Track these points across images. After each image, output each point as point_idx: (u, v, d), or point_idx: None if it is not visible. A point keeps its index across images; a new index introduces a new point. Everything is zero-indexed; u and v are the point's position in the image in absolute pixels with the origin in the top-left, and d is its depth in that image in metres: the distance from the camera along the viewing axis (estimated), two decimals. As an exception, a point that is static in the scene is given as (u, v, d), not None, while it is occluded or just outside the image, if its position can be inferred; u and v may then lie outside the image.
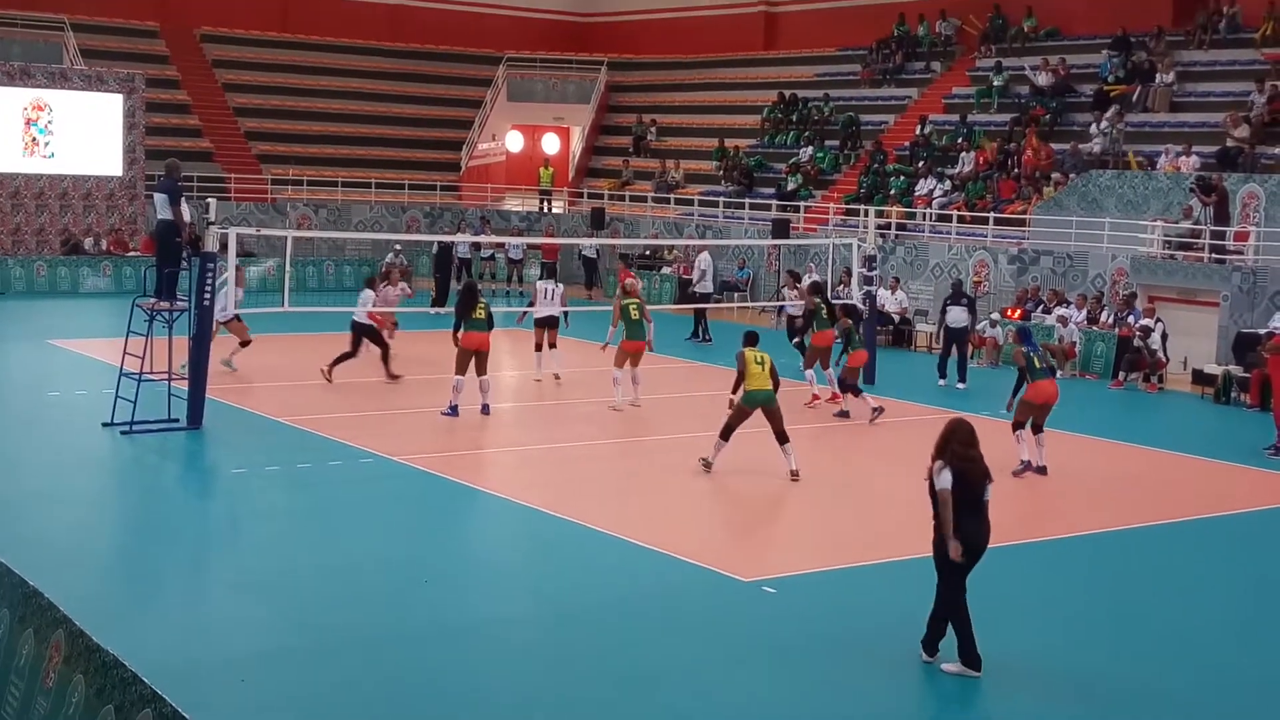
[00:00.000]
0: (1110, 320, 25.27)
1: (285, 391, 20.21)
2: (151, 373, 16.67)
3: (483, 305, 18.36)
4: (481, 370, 18.30)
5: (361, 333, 21.01)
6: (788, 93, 41.23)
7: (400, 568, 11.78)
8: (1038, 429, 16.16)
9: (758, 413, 15.21)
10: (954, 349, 23.32)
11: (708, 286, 29.10)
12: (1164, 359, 23.77)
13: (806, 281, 24.47)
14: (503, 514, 13.98)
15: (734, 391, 15.57)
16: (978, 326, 26.41)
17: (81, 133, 34.46)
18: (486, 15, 49.88)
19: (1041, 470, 16.05)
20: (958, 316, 23.51)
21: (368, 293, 21.21)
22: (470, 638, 10.03)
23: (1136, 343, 23.72)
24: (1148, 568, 12.81)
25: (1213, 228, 25.24)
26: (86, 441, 16.36)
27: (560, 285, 22.66)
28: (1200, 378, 23.36)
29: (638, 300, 19.86)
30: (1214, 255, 25.14)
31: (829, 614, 10.80)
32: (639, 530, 12.99)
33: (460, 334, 18.27)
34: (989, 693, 9.36)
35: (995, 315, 26.65)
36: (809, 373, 20.75)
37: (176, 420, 16.94)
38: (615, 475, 15.83)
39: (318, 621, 10.26)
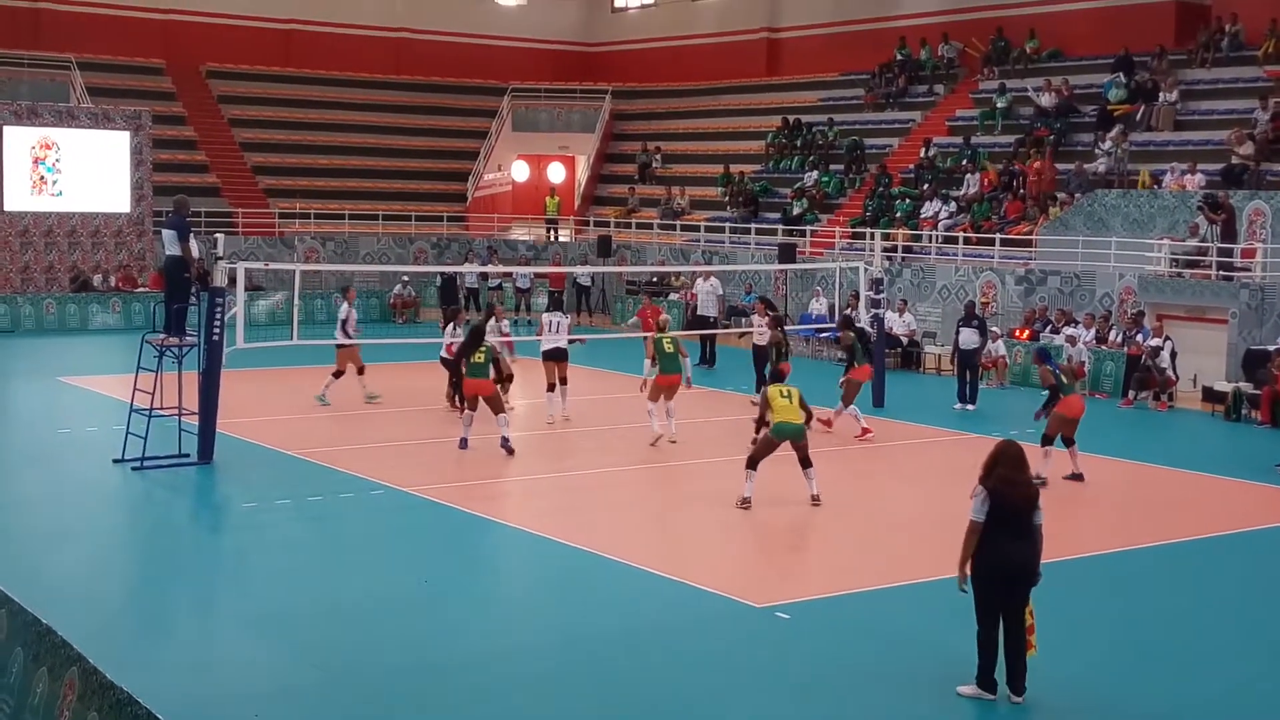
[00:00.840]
0: (1119, 339, 25.24)
1: (295, 424, 20.23)
2: (162, 408, 16.70)
3: (484, 350, 18.04)
4: (496, 409, 18.03)
5: (447, 365, 20.97)
6: (791, 118, 41.34)
7: (412, 601, 11.76)
8: (1069, 442, 16.87)
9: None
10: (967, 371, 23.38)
11: (709, 311, 29.14)
12: (1173, 377, 23.73)
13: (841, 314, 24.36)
14: (514, 544, 13.97)
15: (757, 430, 15.89)
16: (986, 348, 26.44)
17: (89, 170, 34.61)
18: (490, 47, 50.09)
19: (1078, 477, 16.79)
20: (969, 338, 23.58)
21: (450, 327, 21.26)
22: (483, 670, 10.01)
23: (1145, 361, 23.68)
24: (1161, 587, 12.76)
25: (1220, 245, 25.22)
26: (97, 478, 16.38)
27: (566, 316, 22.64)
28: (1210, 395, 23.31)
29: (674, 335, 19.33)
30: (1222, 272, 25.12)
31: (842, 639, 10.76)
32: (650, 558, 12.97)
33: (464, 379, 18.28)
34: (1002, 718, 9.32)
35: (996, 330, 26.64)
36: (852, 408, 20.21)
37: (187, 455, 16.95)
38: (626, 503, 15.81)
39: (330, 656, 10.24)
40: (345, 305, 21.97)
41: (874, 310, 23.31)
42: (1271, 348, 22.76)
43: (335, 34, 47.77)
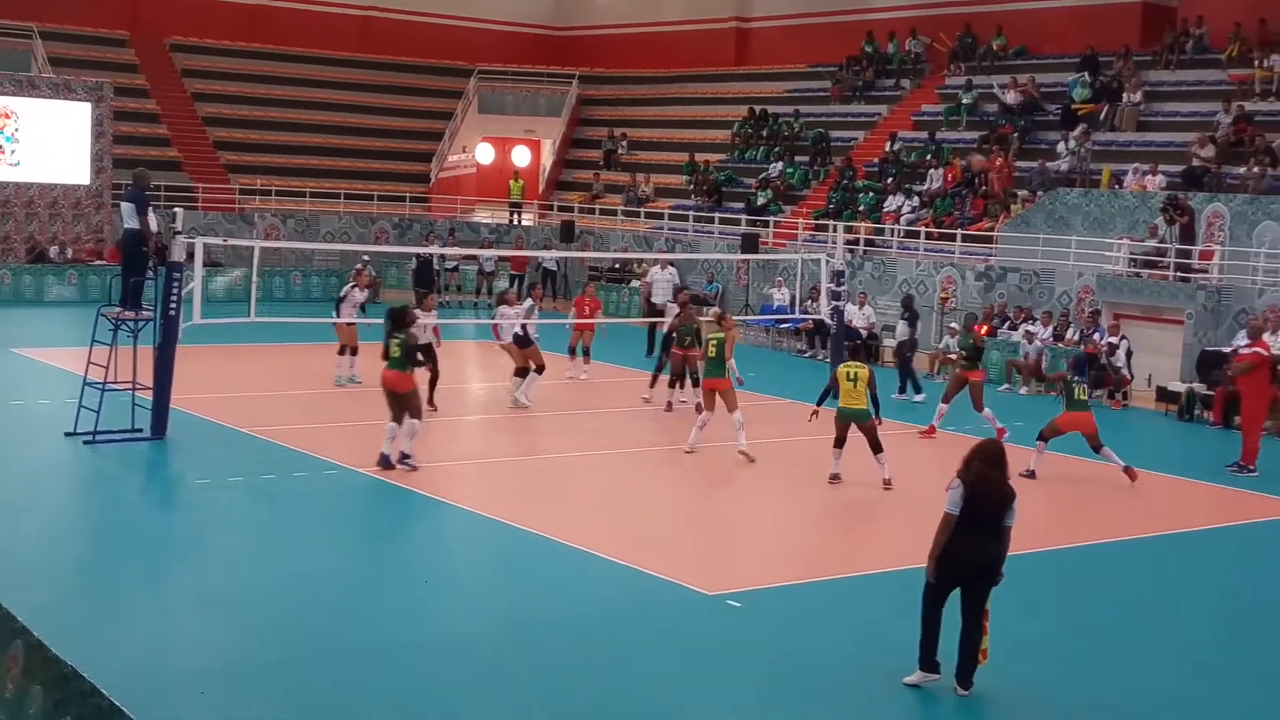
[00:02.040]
0: (1076, 337, 25.42)
1: (250, 402, 20.12)
2: (116, 382, 16.56)
3: (397, 341, 15.71)
4: (407, 413, 15.55)
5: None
6: (758, 108, 41.37)
7: (364, 581, 11.73)
8: (1095, 448, 17.13)
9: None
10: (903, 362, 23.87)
11: (663, 299, 28.91)
12: (1129, 376, 23.93)
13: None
14: (467, 527, 13.93)
15: (818, 403, 16.49)
16: (939, 344, 26.60)
17: (48, 141, 34.23)
18: (458, 27, 49.85)
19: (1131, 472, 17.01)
20: (901, 331, 24.30)
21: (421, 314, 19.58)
22: (432, 652, 9.99)
23: (1102, 360, 23.86)
24: (1111, 583, 12.86)
25: (1178, 246, 25.44)
26: (49, 451, 16.23)
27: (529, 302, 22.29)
28: (1164, 395, 23.52)
29: (720, 335, 17.96)
30: (1179, 274, 25.34)
31: (793, 628, 10.79)
32: (604, 544, 12.97)
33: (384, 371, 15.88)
34: (946, 710, 9.38)
35: (954, 325, 26.79)
36: (986, 411, 19.92)
37: (140, 430, 16.83)
38: (584, 488, 15.80)
39: (279, 634, 10.20)
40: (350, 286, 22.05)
41: (834, 302, 23.39)
42: (1226, 349, 22.96)
43: (302, 10, 47.41)
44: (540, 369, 20.46)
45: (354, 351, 21.65)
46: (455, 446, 18.16)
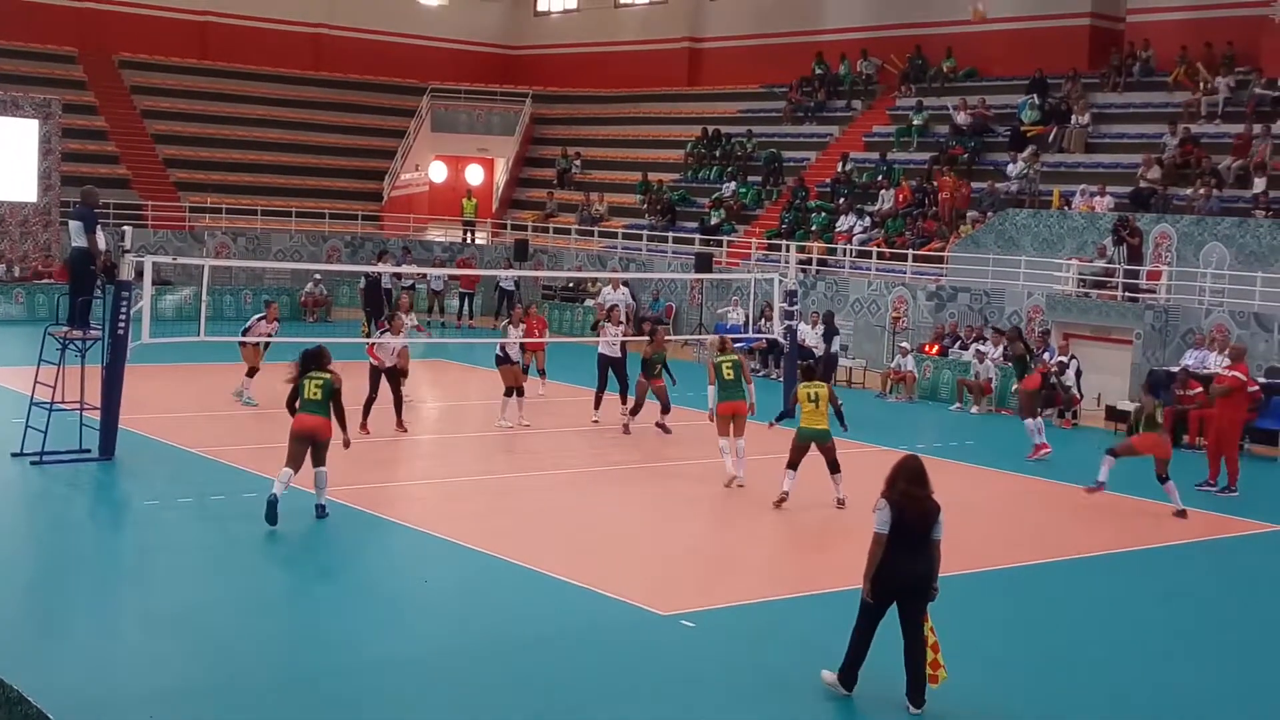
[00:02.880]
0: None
1: (200, 422, 19.95)
2: (63, 402, 16.38)
3: (319, 383, 14.08)
4: (318, 460, 14.18)
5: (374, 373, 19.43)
6: (711, 128, 41.54)
7: (315, 602, 11.64)
8: (1161, 479, 16.84)
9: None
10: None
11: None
12: (1078, 395, 24.13)
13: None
14: (420, 548, 13.84)
15: (776, 420, 16.93)
16: (891, 363, 26.76)
17: (-5, 157, 33.90)
18: (411, 45, 49.80)
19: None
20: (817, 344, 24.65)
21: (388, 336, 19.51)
22: (384, 674, 9.91)
23: (1052, 379, 24.03)
24: (1061, 602, 12.94)
25: (1126, 267, 25.71)
26: (-5, 472, 16.04)
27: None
28: (1113, 414, 23.72)
29: (735, 358, 17.55)
30: (1127, 294, 25.60)
31: (745, 647, 10.78)
32: (558, 565, 12.93)
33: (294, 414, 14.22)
34: (905, 727, 9.41)
35: (905, 345, 26.99)
36: (1030, 422, 20.13)
37: (88, 451, 16.65)
38: (534, 507, 15.75)
39: (228, 657, 10.10)
40: (258, 317, 21.93)
41: (787, 322, 23.47)
42: (1174, 368, 23.19)
43: (252, 28, 47.22)
44: (511, 390, 20.44)
45: (252, 373, 21.32)
46: (409, 467, 18.08)
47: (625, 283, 31.39)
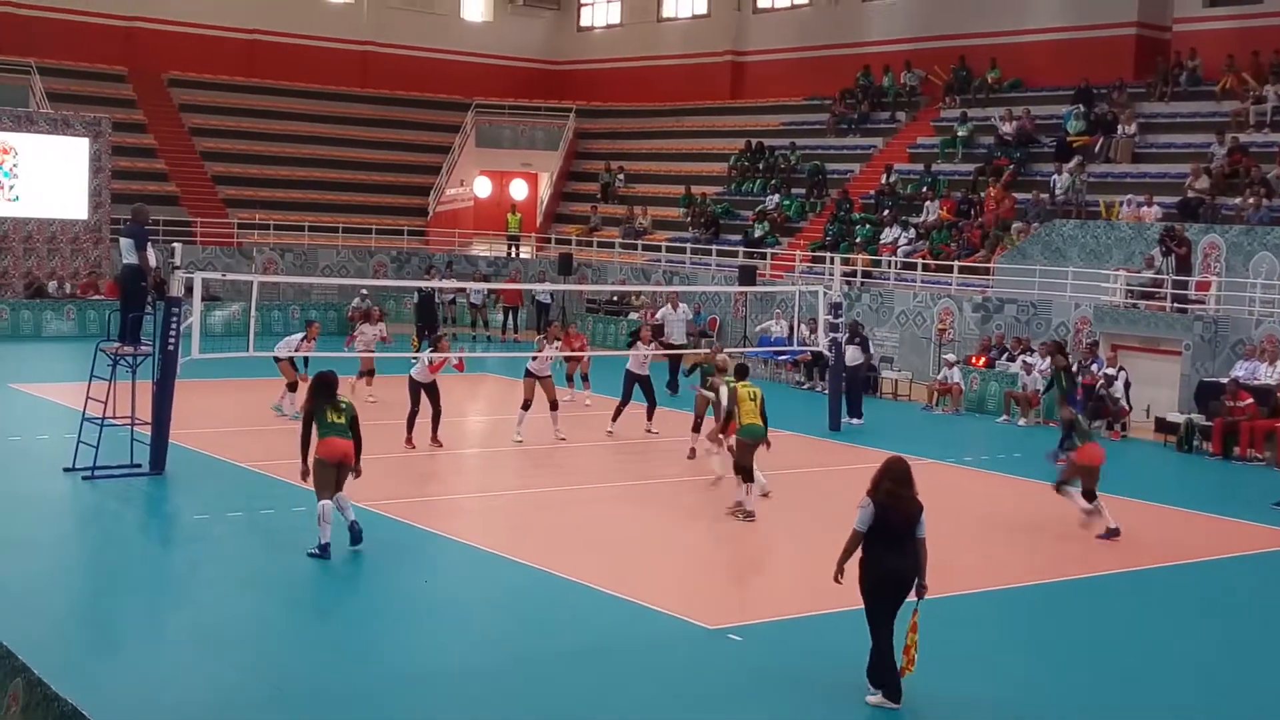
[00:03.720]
0: (1074, 368, 25.41)
1: (250, 436, 20.10)
2: (114, 417, 16.55)
3: (341, 407, 13.74)
4: (331, 488, 13.61)
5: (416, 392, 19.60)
6: (754, 141, 41.51)
7: (363, 616, 11.69)
8: (1090, 495, 16.05)
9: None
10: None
11: (679, 339, 28.29)
12: (1127, 407, 23.93)
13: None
14: (467, 560, 13.89)
15: (723, 429, 16.38)
16: (938, 375, 26.65)
17: (47, 176, 34.31)
18: (456, 62, 50.09)
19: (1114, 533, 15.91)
20: (853, 355, 24.37)
21: (425, 355, 19.71)
22: (431, 687, 9.95)
23: (1100, 391, 23.87)
24: (1111, 616, 12.83)
25: (1175, 277, 25.49)
26: (48, 487, 16.21)
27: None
28: (1163, 426, 23.52)
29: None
30: (1176, 305, 25.39)
31: (793, 661, 10.75)
32: (604, 577, 12.94)
33: (316, 441, 13.62)
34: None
35: (950, 356, 26.88)
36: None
37: (139, 465, 16.81)
38: (580, 521, 15.77)
39: (277, 670, 10.17)
40: (299, 336, 22.26)
41: (832, 334, 23.42)
42: (1224, 380, 22.99)
43: (299, 45, 47.63)
44: (528, 404, 20.51)
45: (292, 388, 21.60)
46: (450, 480, 18.15)
47: (683, 299, 31.04)
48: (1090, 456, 15.86)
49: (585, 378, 24.61)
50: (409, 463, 17.97)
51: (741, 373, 16.68)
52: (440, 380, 20.00)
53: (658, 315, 28.29)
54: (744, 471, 15.73)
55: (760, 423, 15.76)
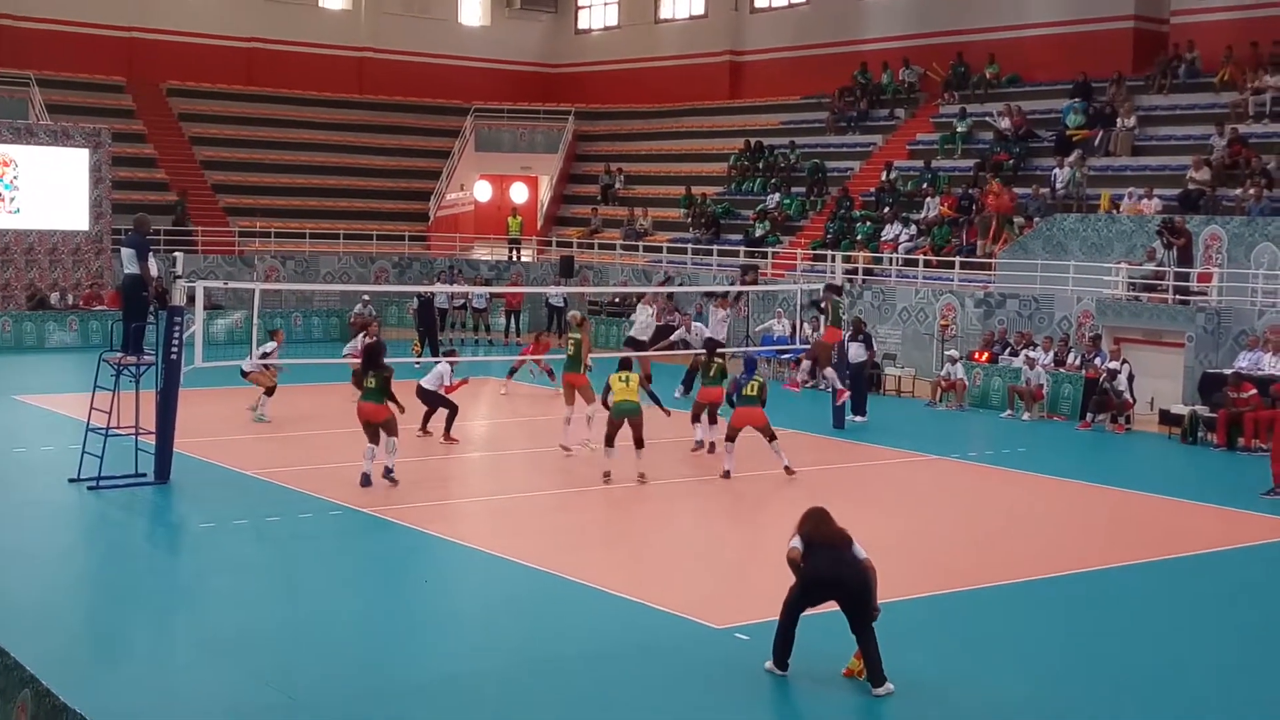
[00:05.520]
0: (1077, 362, 25.43)
1: (254, 444, 20.11)
2: (119, 427, 16.56)
3: (374, 377, 17.05)
4: (384, 433, 16.90)
5: (428, 400, 20.47)
6: (753, 140, 41.52)
7: (371, 622, 11.70)
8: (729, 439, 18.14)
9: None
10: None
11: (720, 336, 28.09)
12: (1131, 400, 23.92)
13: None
14: (473, 564, 13.90)
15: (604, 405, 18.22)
16: (941, 371, 26.63)
17: (47, 187, 34.34)
18: (453, 67, 50.12)
19: None
20: (856, 353, 24.35)
21: (444, 365, 20.70)
22: (440, 692, 9.96)
23: (1103, 384, 23.86)
24: (1118, 609, 12.83)
25: (1176, 269, 25.49)
26: (53, 498, 16.22)
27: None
28: (1167, 418, 23.50)
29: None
30: (1178, 296, 25.38)
31: (799, 659, 10.72)
32: (610, 579, 12.95)
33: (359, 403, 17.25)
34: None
35: (953, 352, 26.87)
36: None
37: (144, 475, 16.82)
38: (586, 523, 15.78)
39: (285, 678, 10.16)
40: (273, 344, 22.48)
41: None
42: (1228, 371, 22.97)
43: (298, 53, 47.67)
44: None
45: (270, 392, 22.08)
46: (458, 484, 18.16)
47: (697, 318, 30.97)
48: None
49: (550, 373, 25.83)
50: (415, 468, 17.98)
51: (625, 365, 18.30)
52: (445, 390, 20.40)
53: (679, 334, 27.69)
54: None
55: (634, 399, 17.57)
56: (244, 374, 22.02)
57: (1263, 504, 17.45)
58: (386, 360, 17.52)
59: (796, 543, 10.41)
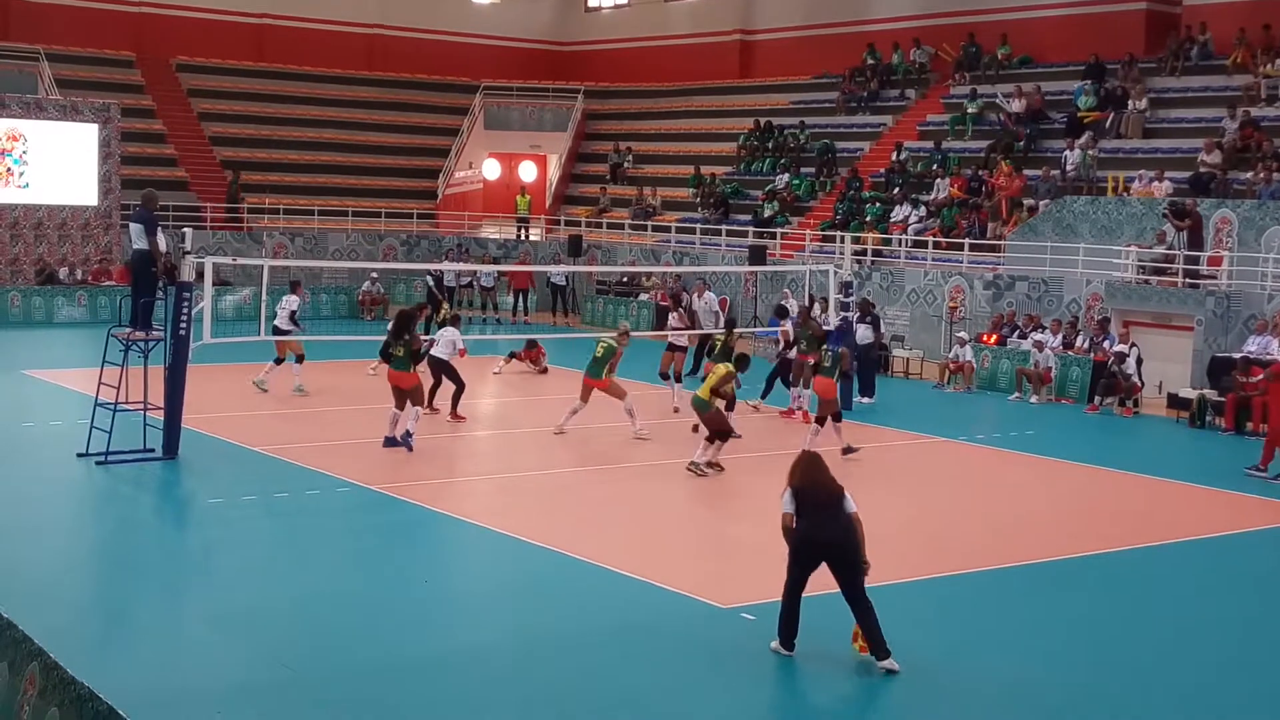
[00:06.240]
0: (1085, 345, 25.38)
1: (262, 421, 20.14)
2: (127, 403, 16.58)
3: (401, 345, 18.02)
4: (410, 401, 17.88)
5: (440, 369, 20.54)
6: (763, 120, 41.43)
7: (378, 599, 11.73)
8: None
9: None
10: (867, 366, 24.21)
11: (709, 325, 28.00)
12: (1139, 383, 23.88)
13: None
14: (479, 542, 13.94)
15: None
16: (950, 353, 26.60)
17: (57, 162, 34.38)
18: (463, 44, 50.04)
19: None
20: (864, 335, 24.44)
21: (451, 330, 20.77)
22: (446, 668, 9.98)
23: (1112, 367, 23.82)
24: (1126, 592, 12.83)
25: (1186, 252, 25.42)
26: (61, 472, 16.26)
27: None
28: (1175, 401, 23.46)
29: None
30: (1188, 280, 25.31)
31: (805, 638, 10.72)
32: (617, 558, 12.96)
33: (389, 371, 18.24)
34: (955, 715, 9.37)
35: (962, 334, 26.84)
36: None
37: (152, 450, 16.85)
38: (593, 502, 15.79)
39: (294, 654, 10.20)
40: (294, 297, 22.80)
41: (843, 314, 23.38)
42: (1236, 355, 22.92)
43: (308, 29, 47.59)
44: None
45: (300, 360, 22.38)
46: (466, 463, 18.19)
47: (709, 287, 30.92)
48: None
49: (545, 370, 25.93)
50: (422, 444, 18.00)
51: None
52: (455, 361, 20.38)
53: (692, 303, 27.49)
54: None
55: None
56: (278, 331, 22.14)
57: (1271, 489, 17.41)
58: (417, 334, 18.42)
59: (788, 501, 10.33)
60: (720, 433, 17.11)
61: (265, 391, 21.86)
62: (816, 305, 24.07)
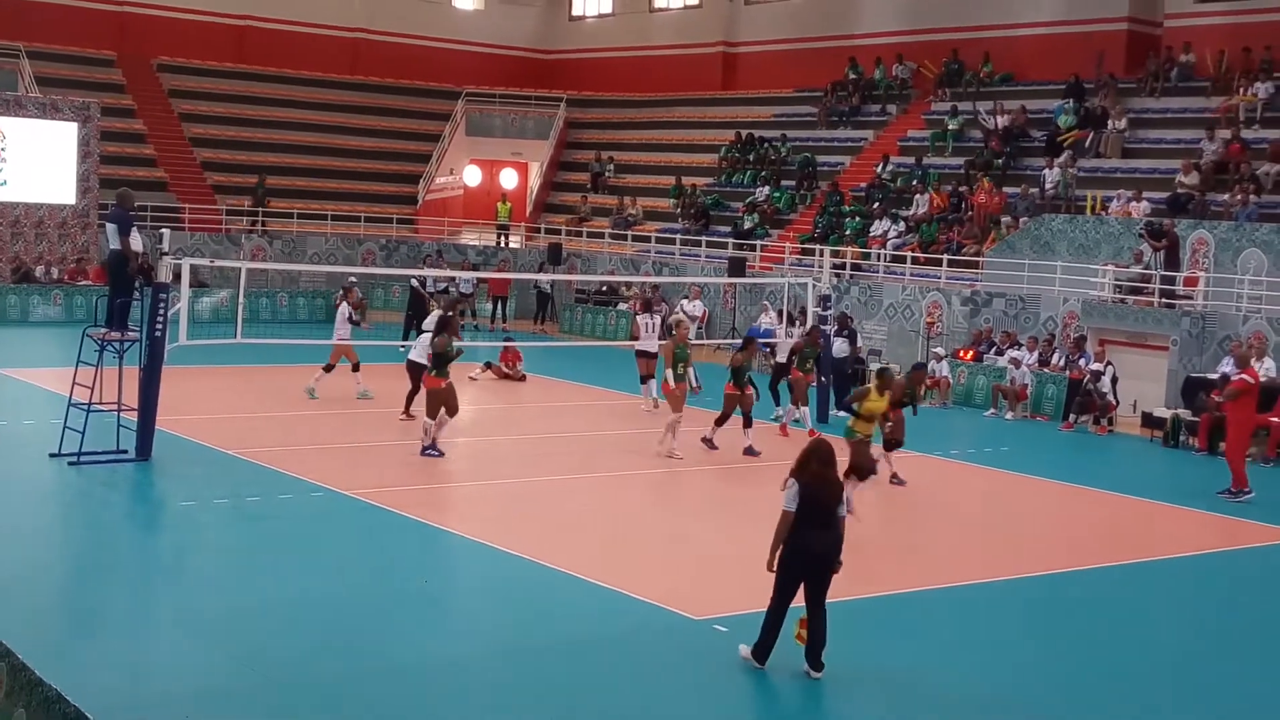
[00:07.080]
0: (1061, 363, 25.49)
1: (237, 423, 20.05)
2: (101, 403, 16.50)
3: (447, 350, 18.35)
4: (444, 409, 18.21)
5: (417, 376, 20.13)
6: (745, 132, 41.52)
7: (349, 605, 11.68)
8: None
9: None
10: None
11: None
12: (1114, 402, 23.99)
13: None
14: (454, 550, 13.90)
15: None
16: (928, 366, 26.63)
17: (35, 160, 34.18)
18: (447, 50, 50.01)
19: None
20: (840, 348, 24.67)
21: (425, 337, 20.27)
22: (418, 677, 9.94)
23: (1087, 385, 23.93)
24: (1096, 610, 12.87)
25: (1163, 273, 25.55)
26: (33, 472, 16.15)
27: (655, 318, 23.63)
28: (1150, 421, 23.58)
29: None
30: (1164, 300, 25.45)
31: (777, 651, 10.74)
32: (592, 568, 12.94)
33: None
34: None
35: (940, 350, 26.91)
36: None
37: (125, 452, 16.76)
38: (571, 512, 15.76)
39: (264, 659, 10.15)
40: (346, 307, 22.65)
41: (821, 326, 23.41)
42: (1212, 375, 23.03)
43: (290, 32, 47.51)
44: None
45: (355, 368, 22.33)
46: (443, 470, 18.13)
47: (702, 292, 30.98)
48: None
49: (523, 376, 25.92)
50: (401, 452, 17.96)
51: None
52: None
53: (678, 311, 27.47)
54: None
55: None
56: (340, 338, 22.35)
57: (1242, 509, 17.50)
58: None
59: (791, 499, 9.96)
60: (858, 467, 15.51)
61: (315, 399, 21.86)
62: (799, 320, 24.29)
